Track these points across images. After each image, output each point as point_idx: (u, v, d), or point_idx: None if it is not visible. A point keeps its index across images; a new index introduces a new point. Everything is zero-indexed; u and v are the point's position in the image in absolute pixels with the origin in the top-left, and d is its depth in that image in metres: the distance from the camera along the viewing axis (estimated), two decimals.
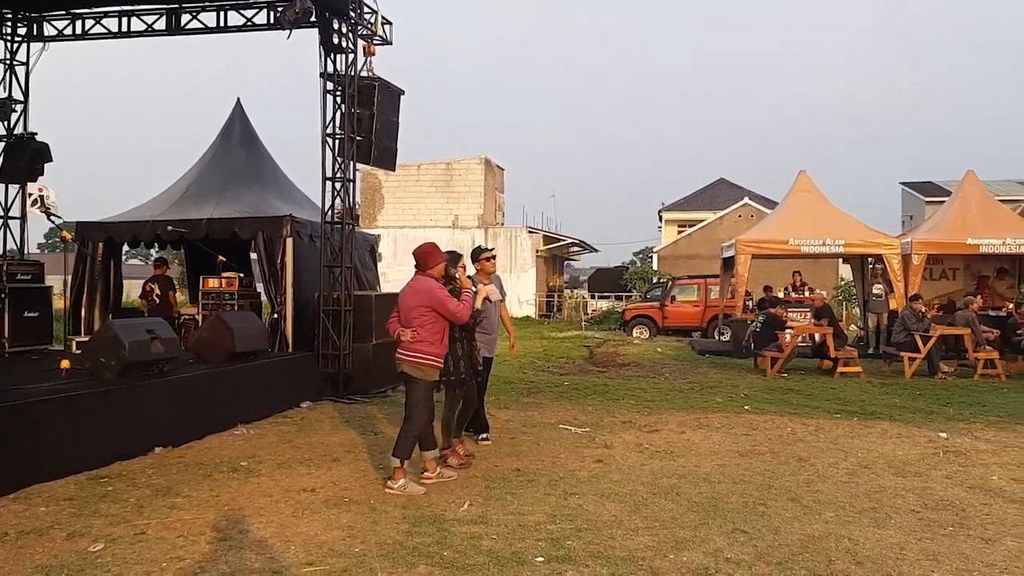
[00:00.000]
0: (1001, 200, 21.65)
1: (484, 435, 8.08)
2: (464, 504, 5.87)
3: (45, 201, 10.83)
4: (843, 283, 32.51)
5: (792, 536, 5.20)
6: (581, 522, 5.47)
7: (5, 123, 12.34)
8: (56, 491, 6.14)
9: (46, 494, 6.06)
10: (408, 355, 6.39)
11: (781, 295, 18.67)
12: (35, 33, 12.38)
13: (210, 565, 4.65)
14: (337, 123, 11.12)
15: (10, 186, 12.51)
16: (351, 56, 11.14)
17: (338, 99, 11.13)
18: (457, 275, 6.69)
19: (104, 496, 6.06)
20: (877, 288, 17.28)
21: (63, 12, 12.12)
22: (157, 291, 12.45)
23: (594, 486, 6.42)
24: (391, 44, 11.93)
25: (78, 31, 12.16)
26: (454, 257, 6.87)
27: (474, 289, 6.69)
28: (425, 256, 6.42)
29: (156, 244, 13.40)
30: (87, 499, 5.97)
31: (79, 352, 8.48)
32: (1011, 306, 16.42)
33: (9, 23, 12.32)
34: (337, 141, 11.12)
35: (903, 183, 49.56)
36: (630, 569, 4.60)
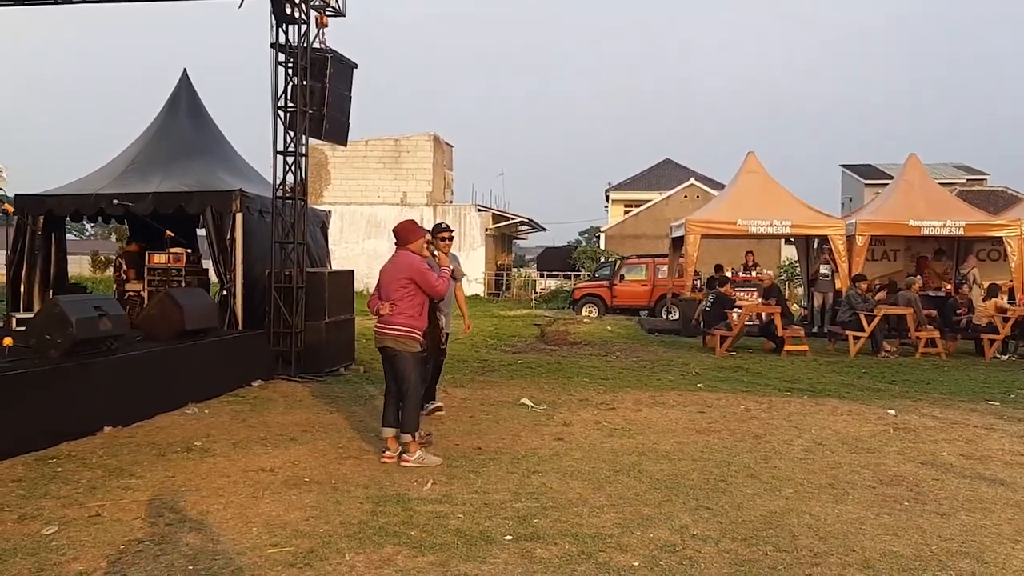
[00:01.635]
0: (940, 184, 22.20)
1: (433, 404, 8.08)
2: (427, 483, 5.82)
3: None
4: (786, 263, 33.09)
5: (755, 512, 5.26)
6: (546, 500, 5.47)
7: None
8: (3, 472, 5.93)
9: None
10: (389, 329, 6.40)
11: (729, 274, 18.90)
12: None
13: (170, 547, 4.53)
14: (288, 95, 10.87)
15: None
16: (303, 27, 10.87)
17: (290, 71, 10.87)
18: (436, 254, 6.82)
19: (54, 477, 5.86)
20: (825, 268, 17.60)
21: None
22: (125, 267, 12.11)
23: (556, 464, 6.42)
24: (344, 16, 11.67)
25: None
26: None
27: (452, 266, 6.81)
28: (405, 232, 6.52)
29: (100, 218, 13.00)
30: (36, 480, 5.77)
31: (22, 329, 8.16)
32: (949, 287, 16.89)
33: None
34: (288, 114, 10.87)
35: (843, 165, 50.62)
36: (599, 546, 4.61)
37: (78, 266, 41.52)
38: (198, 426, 7.70)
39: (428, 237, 7.02)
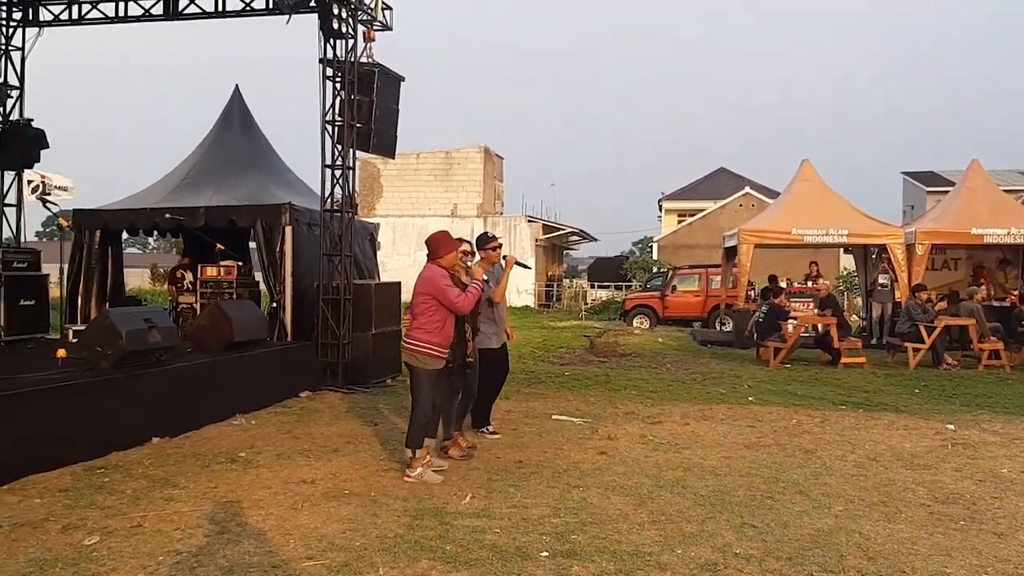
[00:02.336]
0: (1004, 191, 21.52)
1: (487, 428, 7.94)
2: (466, 497, 5.77)
3: (47, 188, 10.71)
4: (845, 272, 32.41)
5: (802, 530, 5.09)
6: (586, 516, 5.37)
7: (1, 109, 12.16)
8: (51, 482, 6.03)
9: (41, 485, 5.95)
10: (408, 343, 6.36)
11: (784, 285, 18.55)
12: (31, 18, 12.20)
13: (207, 559, 4.55)
14: (336, 110, 10.97)
15: (6, 173, 12.35)
16: (351, 42, 10.98)
17: (337, 85, 10.98)
18: (470, 265, 6.70)
19: (100, 487, 5.95)
20: (884, 278, 17.16)
21: None
22: (190, 278, 12.35)
23: (598, 479, 6.32)
24: (391, 30, 11.78)
25: (74, 16, 11.97)
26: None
27: (485, 278, 6.70)
28: (436, 244, 6.38)
29: (156, 232, 13.28)
30: (83, 490, 5.86)
31: (75, 341, 8.36)
32: (1014, 297, 16.31)
33: (5, 8, 12.13)
34: (336, 128, 10.97)
35: (904, 173, 49.41)
36: (637, 564, 4.50)
37: (140, 279, 42.62)
38: (244, 437, 7.76)
39: (466, 247, 6.93)
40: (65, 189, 11.13)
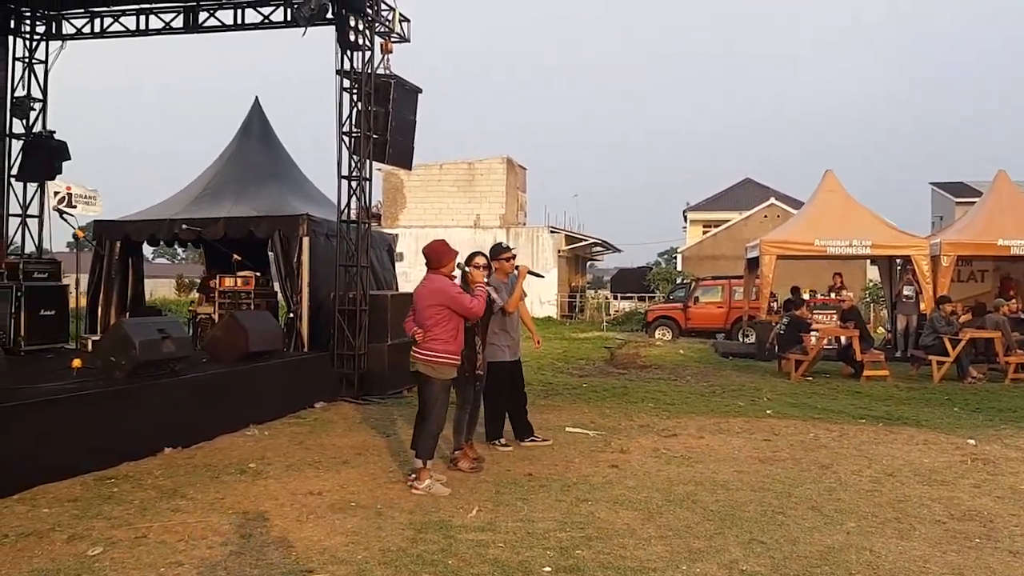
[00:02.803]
0: None
1: (499, 440, 7.89)
2: (472, 510, 5.72)
3: (72, 199, 10.82)
4: (871, 284, 32.02)
5: (811, 547, 4.99)
6: (592, 530, 5.30)
7: (24, 122, 12.33)
8: (61, 492, 6.07)
9: (51, 495, 5.98)
10: (422, 354, 6.32)
11: (807, 296, 18.34)
12: (53, 31, 12.39)
13: (208, 571, 4.54)
14: (353, 121, 11.01)
15: (28, 185, 12.51)
16: (368, 53, 11.03)
17: (354, 97, 11.02)
18: (468, 271, 6.66)
19: (109, 498, 5.97)
20: (908, 290, 16.89)
21: (81, 10, 12.12)
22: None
23: (607, 492, 6.24)
24: (409, 41, 11.82)
25: (96, 29, 12.15)
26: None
27: (486, 280, 6.72)
28: (437, 254, 6.37)
29: (176, 243, 13.40)
30: (91, 500, 5.88)
31: (92, 351, 8.42)
32: None
33: (28, 21, 12.33)
34: (353, 139, 11.01)
35: (933, 183, 48.83)
36: None
37: (167, 289, 43.03)
38: (255, 448, 7.77)
39: (481, 260, 6.88)
40: (90, 199, 11.23)
